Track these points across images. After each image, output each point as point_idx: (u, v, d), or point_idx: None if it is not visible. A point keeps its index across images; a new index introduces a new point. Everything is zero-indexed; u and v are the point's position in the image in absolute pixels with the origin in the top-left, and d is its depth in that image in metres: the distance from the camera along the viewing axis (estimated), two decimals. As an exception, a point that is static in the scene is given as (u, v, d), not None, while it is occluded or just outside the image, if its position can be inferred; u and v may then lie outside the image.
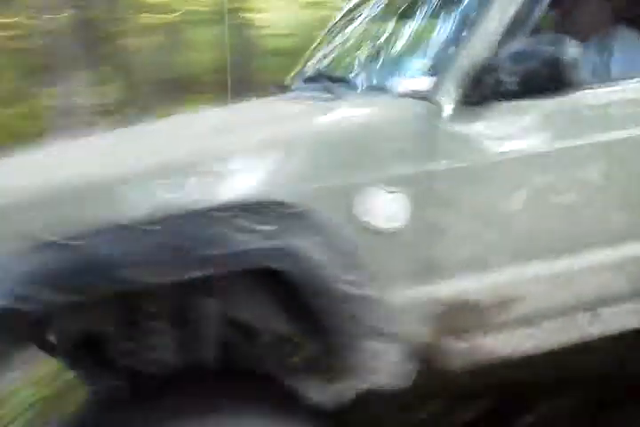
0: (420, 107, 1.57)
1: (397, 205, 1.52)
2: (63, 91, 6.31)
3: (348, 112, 1.73)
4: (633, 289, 1.74)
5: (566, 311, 1.70)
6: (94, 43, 6.55)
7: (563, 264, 1.67)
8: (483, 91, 1.56)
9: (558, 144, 1.63)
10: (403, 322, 1.56)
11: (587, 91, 1.65)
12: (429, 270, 1.58)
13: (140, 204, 1.34)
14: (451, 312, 1.60)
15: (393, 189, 1.51)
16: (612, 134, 1.67)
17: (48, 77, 6.50)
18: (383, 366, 1.54)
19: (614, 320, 1.74)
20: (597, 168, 1.66)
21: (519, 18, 1.62)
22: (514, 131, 1.61)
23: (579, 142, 1.64)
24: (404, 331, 1.57)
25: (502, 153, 1.59)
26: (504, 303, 1.64)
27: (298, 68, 2.51)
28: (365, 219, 1.50)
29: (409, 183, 1.52)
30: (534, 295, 1.67)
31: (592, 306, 1.71)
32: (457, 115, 1.56)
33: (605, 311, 1.74)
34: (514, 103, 1.57)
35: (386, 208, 1.52)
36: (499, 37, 1.61)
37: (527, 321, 1.68)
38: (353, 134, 1.55)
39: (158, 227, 1.31)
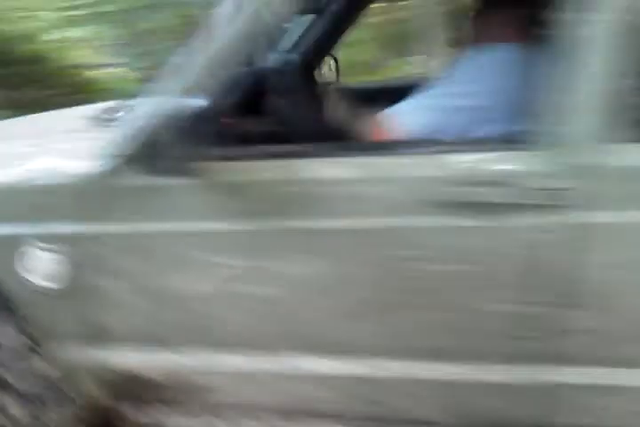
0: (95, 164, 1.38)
1: (56, 264, 1.42)
2: (421, 61, 6.41)
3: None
4: (345, 410, 1.37)
5: (258, 412, 1.42)
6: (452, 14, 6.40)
7: (258, 363, 1.38)
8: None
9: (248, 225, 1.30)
10: (78, 381, 1.51)
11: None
12: (99, 335, 1.46)
13: None
14: (123, 381, 1.48)
15: (50, 247, 1.41)
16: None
17: (407, 48, 6.69)
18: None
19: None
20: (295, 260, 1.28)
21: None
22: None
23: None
24: (78, 390, 1.52)
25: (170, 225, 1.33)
26: (186, 387, 1.45)
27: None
28: (25, 275, 1.45)
29: (67, 243, 1.40)
30: (222, 387, 1.43)
31: (288, 414, 1.40)
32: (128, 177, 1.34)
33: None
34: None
35: (44, 266, 1.44)
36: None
37: (217, 411, 1.46)
38: (30, 182, 1.45)
39: None
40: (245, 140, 1.33)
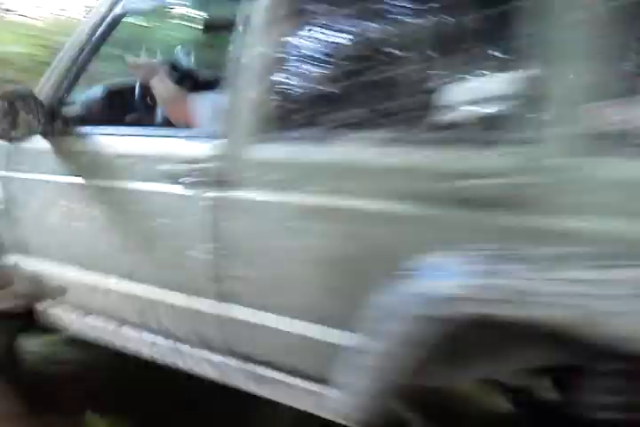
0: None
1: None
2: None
3: None
4: (140, 322, 1.93)
5: (102, 316, 2.05)
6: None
7: (96, 277, 2.02)
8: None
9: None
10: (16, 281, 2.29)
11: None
12: (22, 246, 2.22)
13: None
14: (32, 281, 2.21)
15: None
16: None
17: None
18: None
19: (124, 338, 1.99)
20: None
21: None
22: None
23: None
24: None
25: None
26: (57, 289, 2.14)
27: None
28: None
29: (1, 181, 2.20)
30: (76, 293, 2.09)
31: (120, 322, 2.01)
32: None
33: (124, 329, 1.99)
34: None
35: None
36: (65, 83, 1.99)
37: (77, 309, 2.12)
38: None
39: None
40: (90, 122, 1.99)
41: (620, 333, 1.01)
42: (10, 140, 1.99)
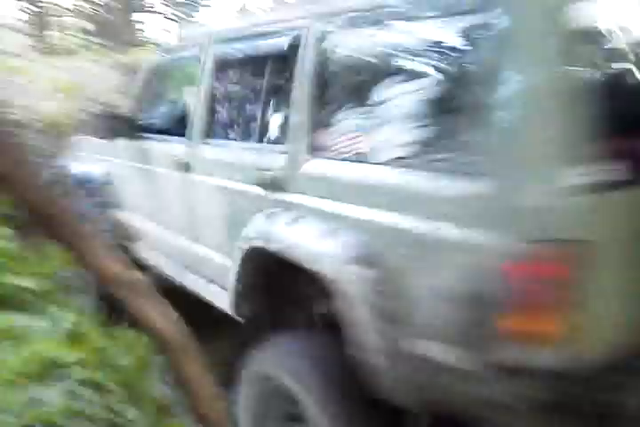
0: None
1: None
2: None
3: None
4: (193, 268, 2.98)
5: (168, 258, 3.18)
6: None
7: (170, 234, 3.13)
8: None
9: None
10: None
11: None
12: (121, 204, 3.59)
13: None
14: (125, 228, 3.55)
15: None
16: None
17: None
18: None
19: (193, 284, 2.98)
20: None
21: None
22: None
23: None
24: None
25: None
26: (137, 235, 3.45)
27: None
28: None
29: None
30: (153, 241, 3.33)
31: (181, 266, 3.05)
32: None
33: (185, 271, 3.04)
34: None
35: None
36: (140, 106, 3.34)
37: (153, 251, 3.34)
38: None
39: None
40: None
41: (302, 255, 1.92)
42: (110, 139, 3.34)
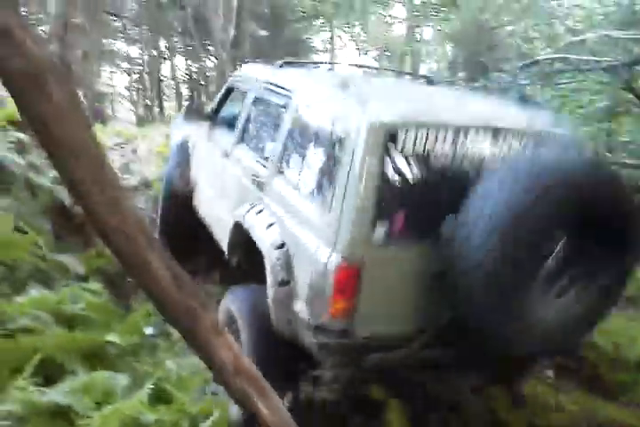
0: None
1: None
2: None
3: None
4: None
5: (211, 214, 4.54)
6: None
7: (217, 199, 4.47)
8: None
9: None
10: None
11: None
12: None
13: None
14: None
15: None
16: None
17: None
18: None
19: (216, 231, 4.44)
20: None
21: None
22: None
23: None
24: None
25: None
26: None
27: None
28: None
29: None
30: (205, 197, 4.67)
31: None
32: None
33: (217, 223, 4.53)
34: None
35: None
36: (216, 105, 4.60)
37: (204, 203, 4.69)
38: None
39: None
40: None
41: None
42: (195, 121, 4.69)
